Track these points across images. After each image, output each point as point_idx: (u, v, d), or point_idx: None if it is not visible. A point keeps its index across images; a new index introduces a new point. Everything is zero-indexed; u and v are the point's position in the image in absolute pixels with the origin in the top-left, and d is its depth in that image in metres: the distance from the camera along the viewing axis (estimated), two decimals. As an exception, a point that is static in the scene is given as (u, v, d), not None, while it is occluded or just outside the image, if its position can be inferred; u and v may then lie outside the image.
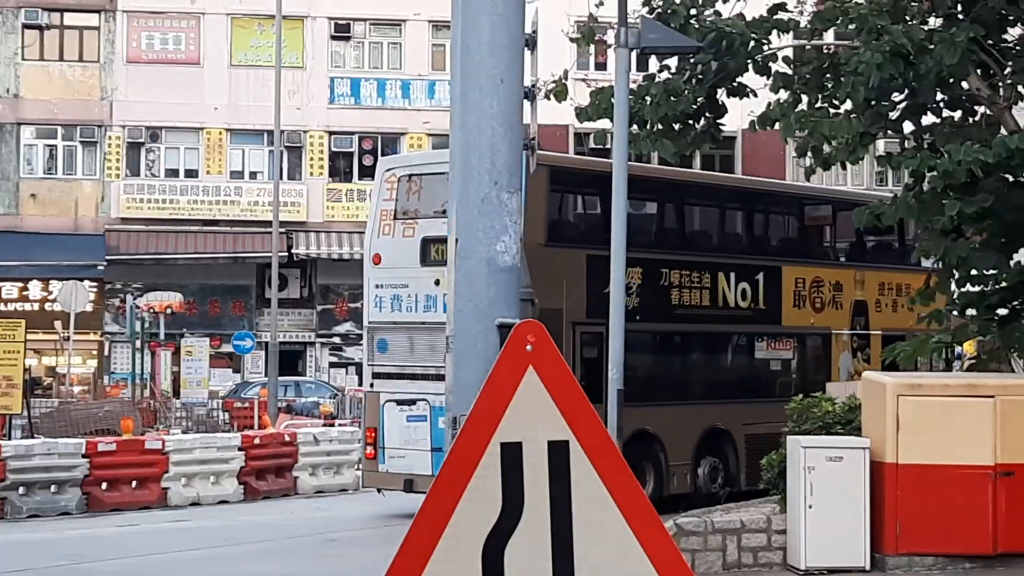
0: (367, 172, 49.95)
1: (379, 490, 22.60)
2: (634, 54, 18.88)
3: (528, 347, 3.58)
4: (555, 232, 21.71)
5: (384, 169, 22.56)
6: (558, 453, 3.55)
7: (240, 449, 26.96)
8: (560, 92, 20.63)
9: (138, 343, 45.56)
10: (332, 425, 35.10)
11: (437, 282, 20.60)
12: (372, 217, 22.28)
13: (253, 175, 49.93)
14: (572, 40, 22.62)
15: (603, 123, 20.70)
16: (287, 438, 28.91)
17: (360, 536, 21.14)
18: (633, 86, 20.00)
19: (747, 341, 25.46)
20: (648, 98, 20.10)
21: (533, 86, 23.44)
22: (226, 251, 48.46)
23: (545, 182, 21.16)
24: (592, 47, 31.30)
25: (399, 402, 21.74)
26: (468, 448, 3.52)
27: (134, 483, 25.42)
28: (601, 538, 3.55)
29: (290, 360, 47.53)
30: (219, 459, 26.69)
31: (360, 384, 48.50)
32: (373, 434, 22.05)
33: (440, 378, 19.69)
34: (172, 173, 49.60)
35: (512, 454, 3.52)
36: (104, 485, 24.84)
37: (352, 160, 50.55)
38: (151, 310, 46.23)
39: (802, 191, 28.11)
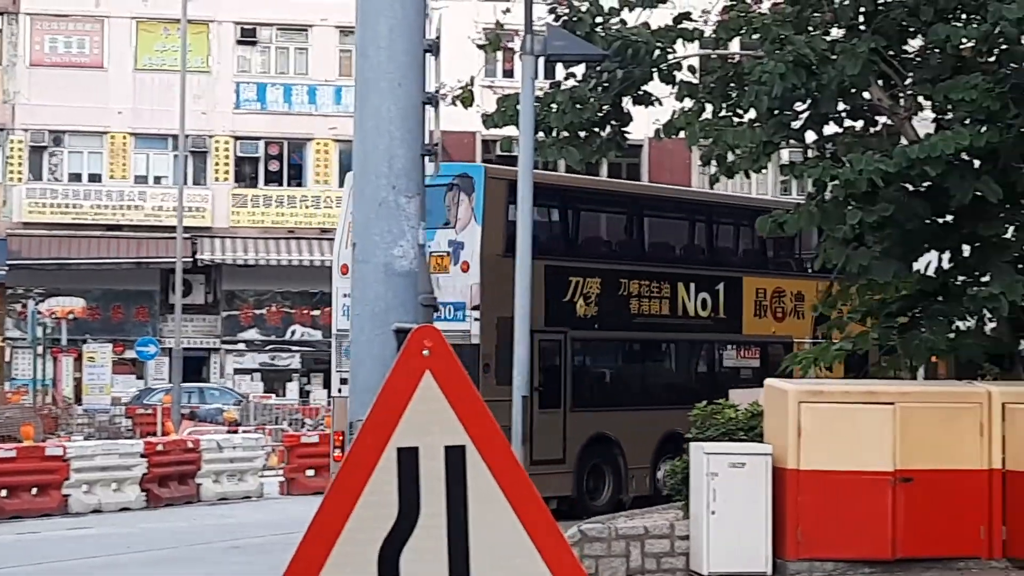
0: (273, 178, 49.80)
1: None
2: (541, 61, 18.94)
3: (425, 352, 3.58)
4: (513, 243, 21.73)
5: (351, 182, 22.70)
6: (455, 458, 3.54)
7: (143, 456, 26.70)
8: (467, 99, 20.64)
9: (40, 349, 45.01)
10: (236, 432, 34.88)
11: None
12: (340, 228, 22.74)
13: (158, 180, 49.48)
14: (479, 47, 22.62)
15: (510, 130, 20.76)
16: (190, 445, 28.68)
17: (263, 543, 21.01)
18: (539, 93, 20.06)
19: (708, 349, 26.01)
20: (554, 105, 20.16)
21: (437, 91, 23.46)
22: (130, 256, 47.98)
23: (503, 195, 21.43)
24: (499, 54, 31.34)
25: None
26: (364, 453, 3.51)
27: (34, 490, 25.11)
28: (498, 542, 3.55)
29: (194, 366, 47.17)
30: (121, 466, 26.43)
31: (265, 391, 48.43)
32: (341, 437, 22.48)
33: None
34: (75, 177, 49.05)
35: (408, 459, 3.51)
36: (4, 492, 24.52)
37: (258, 165, 50.25)
38: (53, 315, 45.65)
39: (759, 204, 28.39)
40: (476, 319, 20.68)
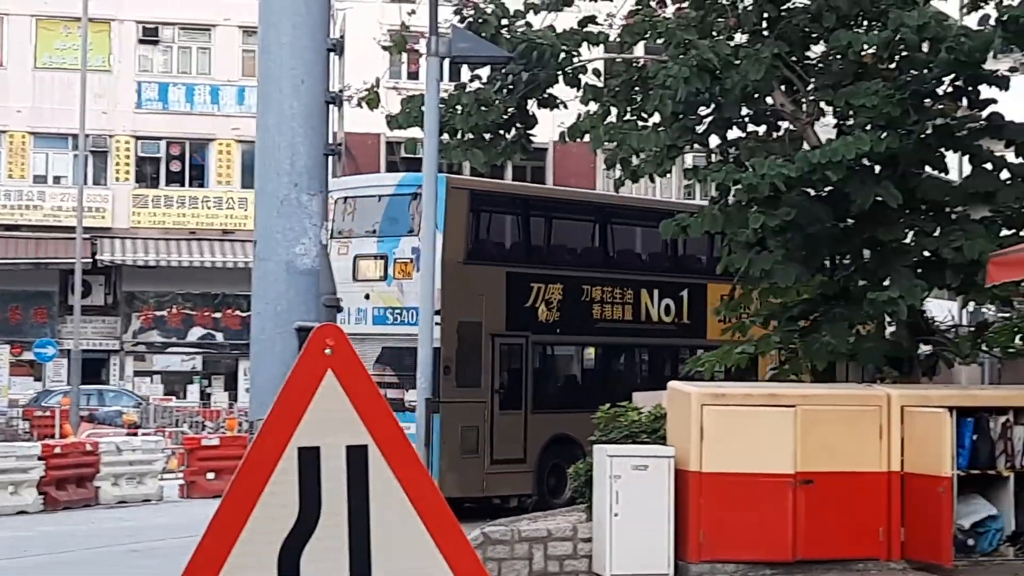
0: (174, 178, 49.35)
1: None
2: (446, 63, 18.91)
3: (327, 351, 3.53)
4: (474, 251, 22.76)
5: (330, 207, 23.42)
6: (357, 458, 3.50)
7: (40, 459, 26.37)
8: (372, 100, 20.56)
9: (-64, 350, 44.35)
10: (136, 434, 34.52)
11: (367, 296, 21.98)
12: None
13: (57, 179, 48.90)
14: (384, 48, 22.56)
15: (414, 132, 20.72)
16: (89, 447, 28.37)
17: (163, 546, 20.79)
18: (445, 95, 20.03)
19: (671, 354, 26.18)
20: (459, 107, 20.14)
21: (341, 92, 23.42)
22: (28, 257, 47.36)
23: (465, 204, 22.03)
24: (404, 56, 31.25)
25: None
26: (264, 453, 3.46)
27: (-70, 494, 24.74)
28: (399, 543, 3.52)
29: (93, 368, 46.63)
30: (18, 468, 26.09)
31: (165, 393, 47.97)
32: None
33: None
34: (-27, 176, 48.36)
35: (309, 459, 3.47)
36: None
37: (159, 166, 49.80)
38: (-51, 316, 45.01)
39: None
40: (437, 323, 20.55)
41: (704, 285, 26.22)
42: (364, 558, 3.47)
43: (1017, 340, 20.33)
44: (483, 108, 20.18)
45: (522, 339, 21.79)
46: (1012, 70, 21.22)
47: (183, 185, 49.52)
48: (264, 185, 4.09)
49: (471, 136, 20.45)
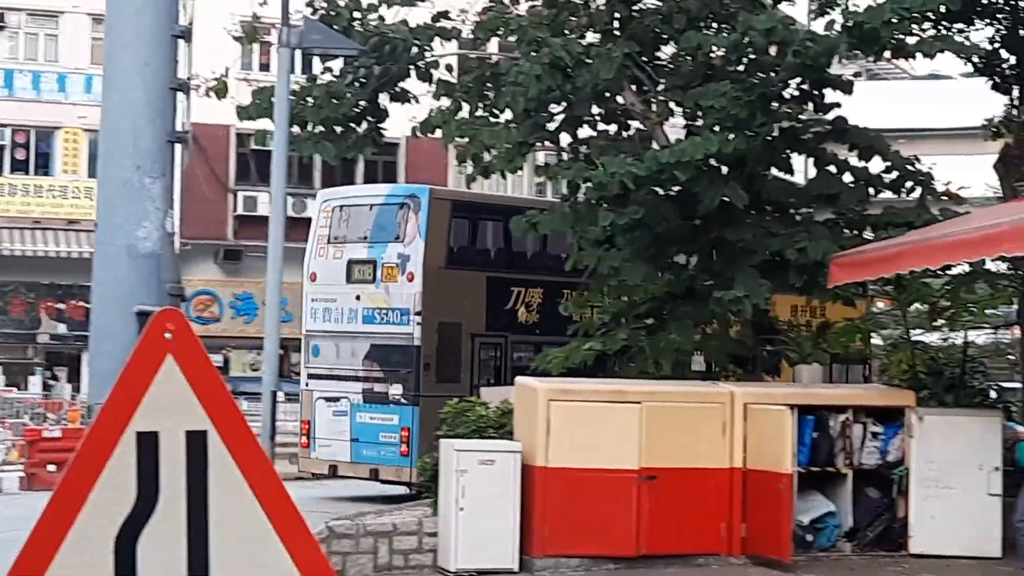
0: (19, 166, 48.39)
1: (312, 475, 24.92)
2: (298, 55, 18.81)
3: (167, 335, 3.49)
4: (455, 257, 23.60)
5: (322, 200, 25.34)
6: (196, 443, 3.47)
7: None
8: (221, 90, 20.38)
9: None
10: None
11: (358, 297, 23.41)
12: (311, 241, 24.91)
13: None
14: (235, 39, 22.36)
15: (265, 123, 20.57)
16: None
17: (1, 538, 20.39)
18: (296, 87, 19.92)
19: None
20: (310, 99, 20.05)
21: (189, 80, 23.23)
22: None
23: (446, 214, 22.95)
24: (256, 46, 31.02)
25: (327, 399, 24.32)
26: (102, 437, 3.42)
27: None
28: (238, 530, 3.49)
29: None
30: None
31: (6, 384, 47.04)
32: (307, 426, 24.62)
33: (358, 379, 23.30)
34: None
35: (148, 443, 3.43)
36: None
37: (3, 153, 48.81)
38: None
39: None
40: (418, 323, 22.27)
41: None
42: (202, 543, 3.45)
43: (857, 340, 20.72)
44: (334, 101, 20.12)
45: (501, 339, 22.51)
46: (856, 75, 21.62)
47: (28, 173, 48.57)
48: (107, 168, 4.04)
49: (322, 129, 20.39)
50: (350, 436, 23.63)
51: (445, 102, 20.50)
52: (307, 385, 25.02)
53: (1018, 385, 22.85)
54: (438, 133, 20.28)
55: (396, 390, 22.25)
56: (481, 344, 23.70)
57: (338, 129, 20.57)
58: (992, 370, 24.64)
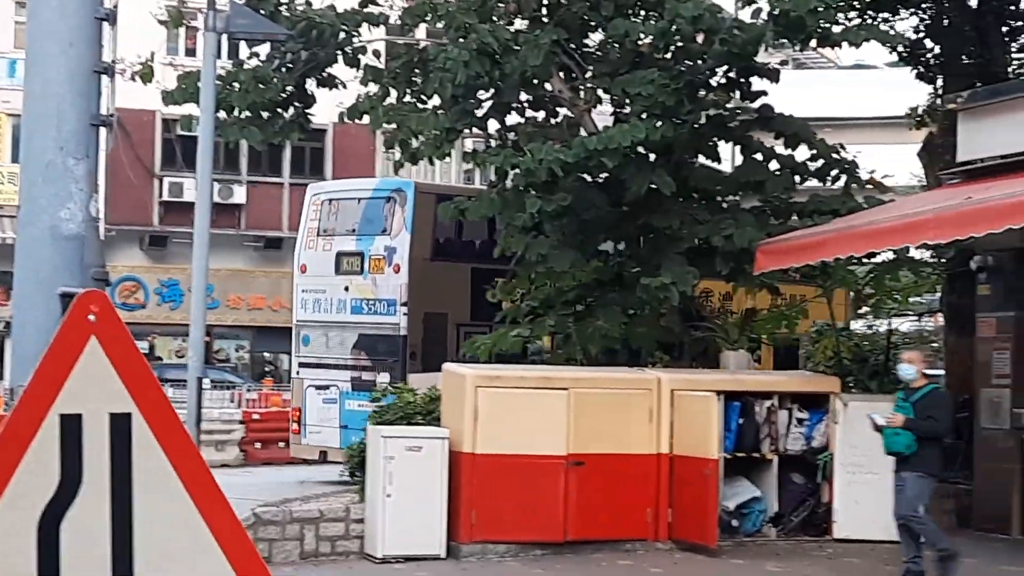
0: (-60, 151, 47.76)
1: (304, 460, 25.30)
2: (224, 40, 18.66)
3: (91, 317, 3.46)
4: (440, 249, 24.00)
5: (312, 194, 25.71)
6: (120, 426, 3.44)
7: None
8: (146, 74, 20.23)
9: None
10: None
11: (347, 288, 23.93)
12: (301, 233, 25.53)
13: None
14: (160, 23, 22.20)
15: (191, 108, 20.40)
16: None
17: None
18: (222, 72, 19.79)
19: None
20: (236, 84, 19.94)
21: (114, 63, 23.06)
22: None
23: (431, 207, 22.95)
24: (181, 31, 30.80)
25: (317, 387, 24.80)
26: (25, 420, 3.38)
27: None
28: (162, 512, 3.47)
29: None
30: None
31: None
32: (298, 413, 25.07)
33: (347, 367, 23.65)
34: None
35: (71, 426, 3.40)
36: None
37: (-75, 138, 48.19)
38: None
39: None
40: (405, 314, 22.66)
41: None
42: (126, 527, 3.42)
43: (784, 327, 20.85)
44: (261, 86, 20.02)
45: (485, 328, 22.77)
46: (783, 63, 21.76)
47: (-50, 158, 48.01)
48: (30, 150, 4.00)
49: (248, 114, 20.28)
50: (339, 423, 24.05)
51: (372, 88, 20.43)
52: (298, 373, 25.53)
53: (941, 372, 23.10)
54: (365, 119, 20.21)
55: (383, 378, 22.42)
56: (466, 334, 23.83)
57: (265, 114, 20.46)
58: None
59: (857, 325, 23.85)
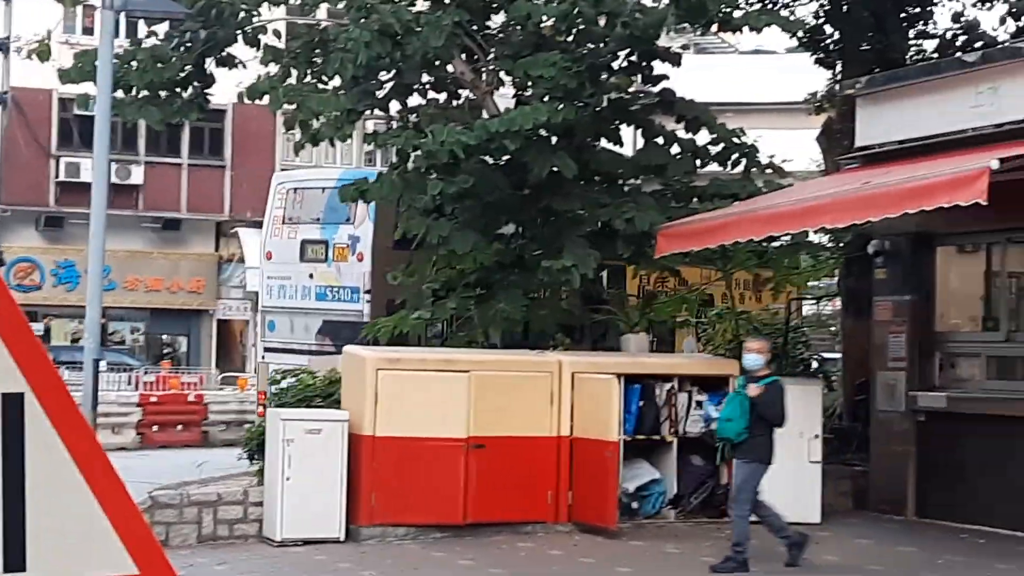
0: None
1: None
2: (122, 18, 18.44)
3: (-18, 295, 3.37)
4: (401, 238, 23.65)
5: (277, 183, 26.66)
6: (12, 406, 3.36)
7: None
8: (43, 52, 19.93)
9: None
10: None
11: (311, 275, 24.55)
12: (267, 221, 26.21)
13: None
14: (58, 0, 21.84)
15: (88, 87, 20.14)
16: None
17: None
18: (120, 51, 19.55)
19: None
20: (134, 63, 19.69)
21: (8, 40, 22.73)
22: None
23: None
24: (79, 9, 30.37)
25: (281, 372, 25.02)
26: (-88, 401, 3.29)
27: None
28: (56, 495, 3.39)
29: None
30: None
31: None
32: (263, 397, 25.08)
33: (312, 353, 23.42)
34: None
35: (-39, 407, 3.31)
36: None
37: None
38: None
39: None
40: (367, 301, 23.21)
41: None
42: (18, 509, 3.34)
43: (684, 310, 20.95)
44: (159, 65, 19.78)
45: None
46: (684, 48, 21.82)
47: None
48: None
49: (147, 93, 20.03)
50: None
51: (273, 68, 20.24)
52: (263, 358, 25.79)
53: (839, 355, 23.35)
54: (265, 99, 20.02)
55: None
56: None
57: (163, 94, 20.23)
58: (814, 340, 25.16)
59: (757, 308, 24.00)
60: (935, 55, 23.11)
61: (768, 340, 14.85)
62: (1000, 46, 19.26)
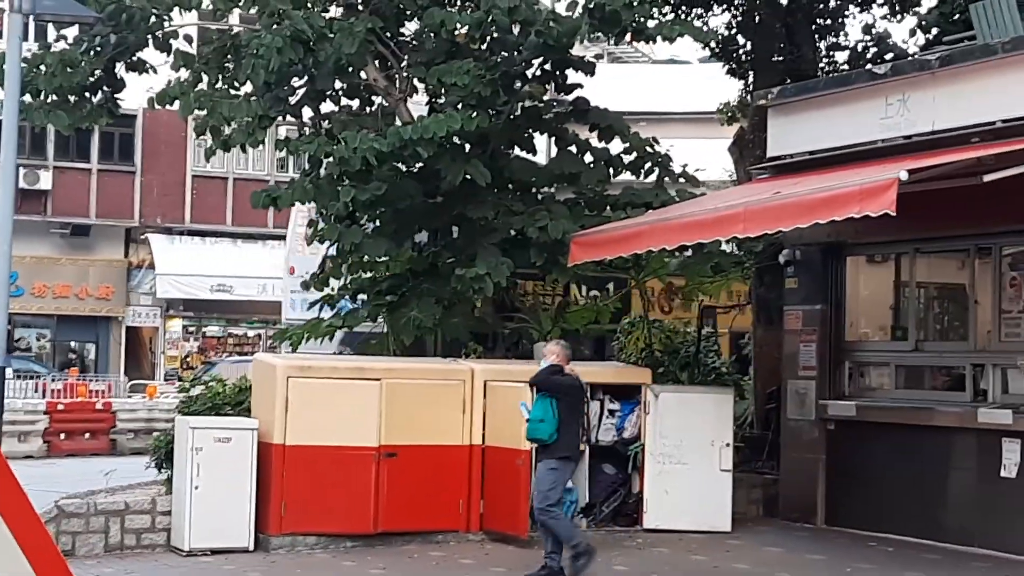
0: None
1: None
2: (32, 23, 18.22)
3: None
4: None
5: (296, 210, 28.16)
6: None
7: None
8: (-52, 55, 19.61)
9: None
10: None
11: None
12: (289, 238, 28.36)
13: None
14: (-36, 3, 21.58)
15: (-5, 91, 19.87)
16: None
17: None
18: (28, 54, 19.32)
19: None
20: (43, 67, 19.46)
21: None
22: None
23: None
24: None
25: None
26: None
27: None
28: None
29: None
30: None
31: None
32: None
33: None
34: None
35: None
36: None
37: None
38: None
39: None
40: None
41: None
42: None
43: (597, 319, 20.97)
44: (68, 69, 19.57)
45: None
46: (598, 57, 21.88)
47: None
48: None
49: (55, 98, 19.80)
50: None
51: (184, 73, 20.08)
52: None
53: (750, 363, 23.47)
54: (176, 105, 19.83)
55: None
56: None
57: (72, 98, 20.01)
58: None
59: (669, 317, 24.10)
60: (846, 67, 23.35)
61: (563, 344, 14.79)
62: (909, 58, 19.45)
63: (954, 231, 16.28)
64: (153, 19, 19.56)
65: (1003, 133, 14.57)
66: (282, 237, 46.10)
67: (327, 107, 20.24)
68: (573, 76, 19.74)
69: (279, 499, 15.45)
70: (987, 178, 13.31)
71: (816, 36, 24.31)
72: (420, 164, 18.46)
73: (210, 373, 24.11)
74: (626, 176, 20.22)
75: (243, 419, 16.01)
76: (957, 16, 21.30)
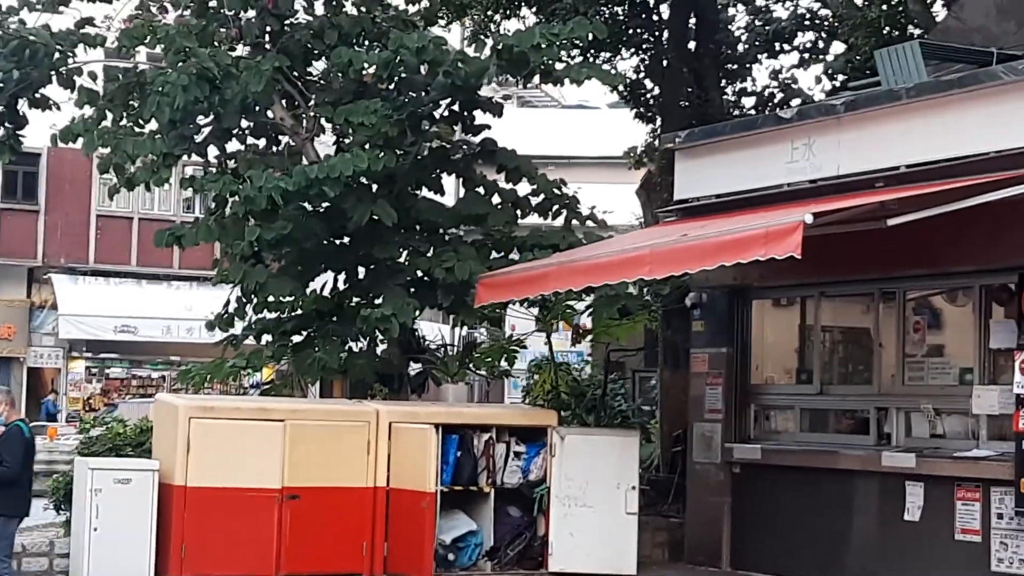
0: None
1: None
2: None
3: None
4: None
5: None
6: None
7: None
8: None
9: None
10: None
11: None
12: None
13: None
14: None
15: None
16: None
17: None
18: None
19: None
20: (-57, 104, 19.17)
21: None
22: None
23: None
24: None
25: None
26: None
27: None
28: None
29: None
30: None
31: None
32: None
33: None
34: None
35: None
36: None
37: None
38: None
39: None
40: None
41: None
42: None
43: (503, 361, 20.91)
44: (-30, 106, 19.28)
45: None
46: (506, 98, 21.92)
47: None
48: None
49: (-44, 135, 19.52)
50: None
51: (88, 110, 19.83)
52: None
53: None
54: (80, 143, 19.57)
55: None
56: None
57: (-27, 135, 19.73)
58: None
59: (575, 360, 24.10)
60: (753, 111, 23.53)
61: (7, 393, 14.73)
62: (816, 103, 19.62)
63: (859, 275, 16.35)
64: (57, 55, 19.33)
65: (907, 178, 14.70)
66: (187, 278, 45.88)
67: (233, 146, 20.07)
68: (481, 117, 19.72)
69: (179, 541, 15.23)
70: (891, 222, 13.37)
71: (724, 81, 24.51)
72: (326, 204, 18.33)
73: (112, 414, 23.69)
74: (534, 218, 20.21)
75: (143, 460, 15.81)
76: (863, 63, 21.54)
